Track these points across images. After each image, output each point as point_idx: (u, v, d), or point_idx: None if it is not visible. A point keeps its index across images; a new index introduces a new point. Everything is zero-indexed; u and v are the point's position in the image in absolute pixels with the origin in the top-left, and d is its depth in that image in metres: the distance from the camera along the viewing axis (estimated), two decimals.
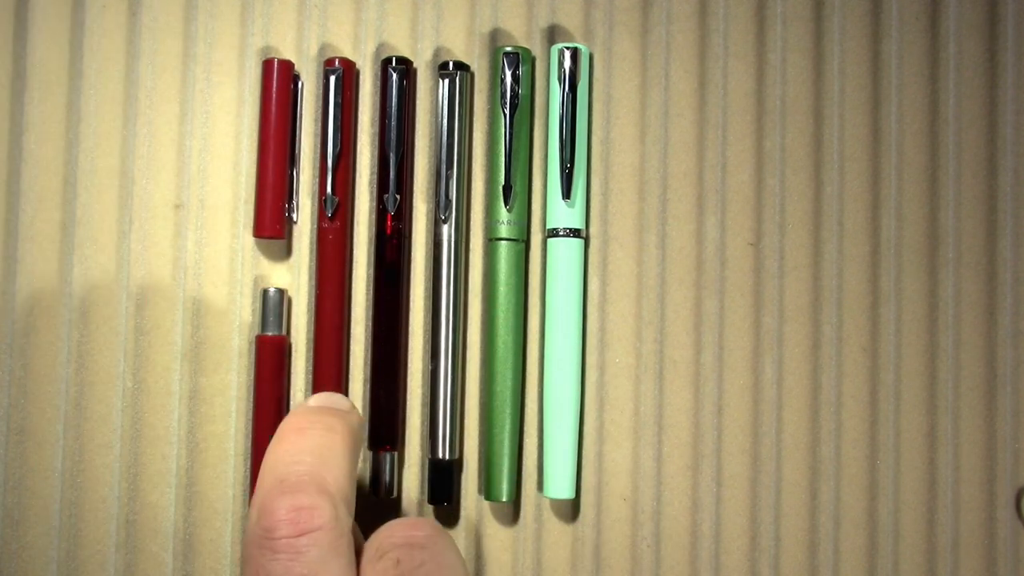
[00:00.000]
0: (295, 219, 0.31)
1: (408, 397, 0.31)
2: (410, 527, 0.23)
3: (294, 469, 0.22)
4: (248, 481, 0.31)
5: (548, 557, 0.31)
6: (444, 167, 0.31)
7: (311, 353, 0.31)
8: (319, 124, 0.32)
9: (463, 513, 0.31)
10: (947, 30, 0.33)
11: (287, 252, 0.32)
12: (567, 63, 0.31)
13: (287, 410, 0.31)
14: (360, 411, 0.24)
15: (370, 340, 0.31)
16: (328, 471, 0.22)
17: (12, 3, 0.32)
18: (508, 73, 0.31)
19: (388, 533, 0.23)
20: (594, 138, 0.32)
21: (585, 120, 0.31)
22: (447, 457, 0.30)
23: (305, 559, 0.20)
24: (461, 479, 0.31)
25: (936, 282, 0.32)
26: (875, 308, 0.32)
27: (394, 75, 0.31)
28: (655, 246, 0.32)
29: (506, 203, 0.31)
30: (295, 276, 0.31)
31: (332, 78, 0.31)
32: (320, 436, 0.23)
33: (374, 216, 0.31)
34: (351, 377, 0.31)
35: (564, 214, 0.31)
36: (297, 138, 0.32)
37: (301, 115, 0.32)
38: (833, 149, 0.32)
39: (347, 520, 0.22)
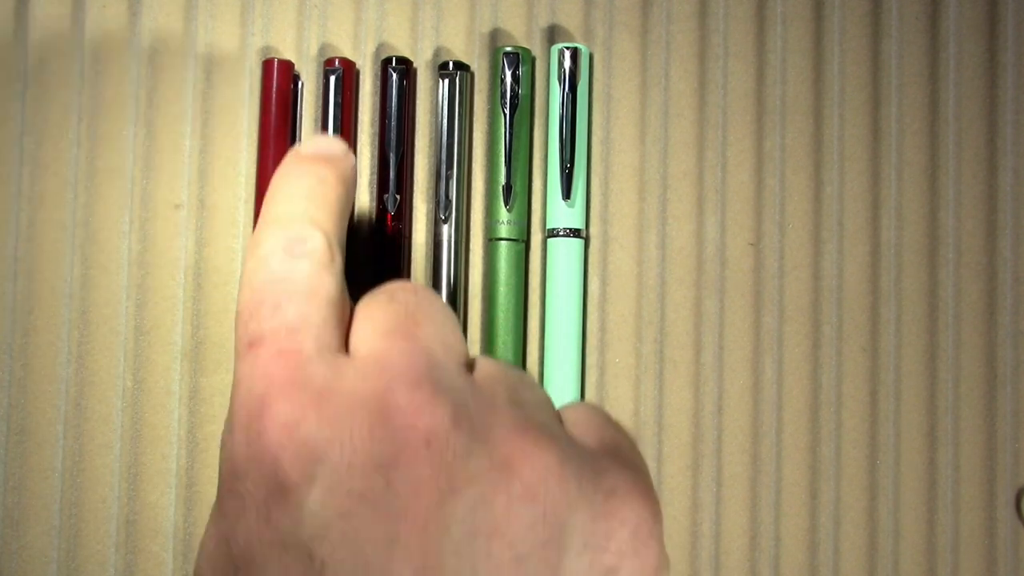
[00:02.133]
0: None
1: None
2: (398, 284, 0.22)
3: (285, 208, 0.21)
4: None
5: None
6: (444, 167, 0.31)
7: None
8: (319, 124, 0.32)
9: None
10: (947, 30, 0.33)
11: None
12: (567, 63, 0.31)
13: None
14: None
15: None
16: (321, 213, 0.21)
17: (12, 3, 0.32)
18: (508, 73, 0.31)
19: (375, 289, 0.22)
20: (594, 138, 0.32)
21: (585, 120, 0.31)
22: None
23: (295, 275, 0.19)
24: None
25: (936, 282, 0.32)
26: (875, 308, 0.32)
27: (394, 75, 0.31)
28: (655, 246, 0.32)
29: (506, 203, 0.31)
30: None
31: (332, 78, 0.31)
32: (312, 185, 0.22)
33: (374, 216, 0.31)
34: None
35: (564, 214, 0.31)
36: (297, 138, 0.32)
37: (301, 115, 0.32)
38: (833, 149, 0.32)
39: (340, 259, 0.21)
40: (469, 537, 0.17)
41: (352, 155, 0.24)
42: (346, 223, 0.23)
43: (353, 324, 0.20)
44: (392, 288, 0.21)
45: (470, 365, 0.20)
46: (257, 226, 0.21)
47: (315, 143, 0.24)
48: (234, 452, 0.18)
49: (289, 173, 0.22)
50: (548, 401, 0.21)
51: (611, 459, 0.20)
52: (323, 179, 0.22)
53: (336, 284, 0.20)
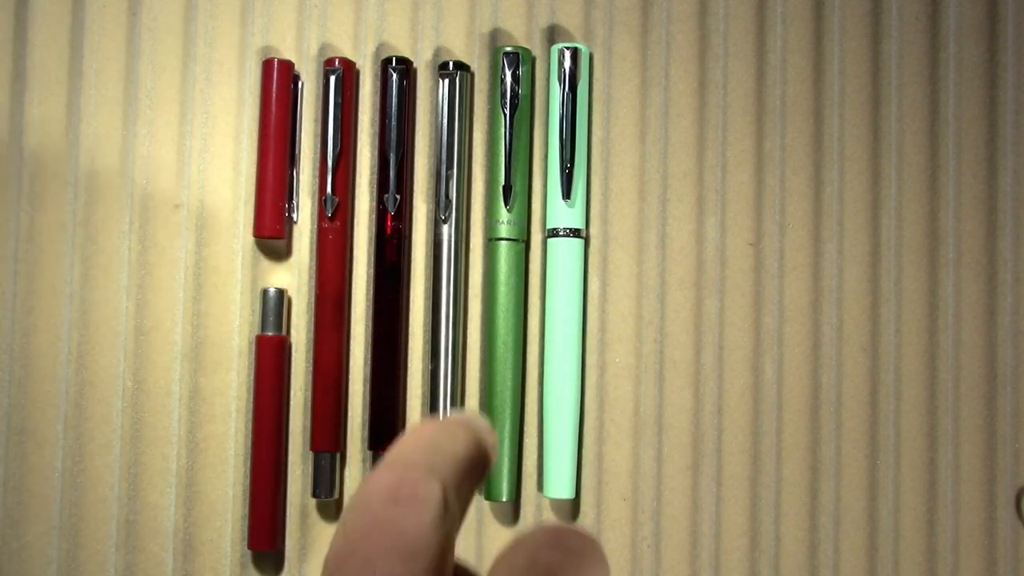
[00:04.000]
0: (295, 219, 0.31)
1: (408, 397, 0.31)
2: (558, 531, 0.20)
3: (405, 455, 0.19)
4: (248, 481, 0.31)
5: None
6: (444, 167, 0.31)
7: (311, 353, 0.31)
8: (319, 124, 0.32)
9: None
10: (947, 30, 0.33)
11: (287, 252, 0.32)
12: (567, 63, 0.31)
13: (287, 411, 0.31)
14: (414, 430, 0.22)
15: (370, 340, 0.31)
16: (444, 465, 0.19)
17: (12, 3, 0.32)
18: (508, 73, 0.31)
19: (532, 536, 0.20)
20: (594, 138, 0.32)
21: (585, 120, 0.31)
22: None
23: (398, 526, 0.17)
24: None
25: (936, 282, 0.32)
26: (875, 308, 0.32)
27: (394, 75, 0.31)
28: (655, 246, 0.32)
29: (506, 203, 0.31)
30: (295, 276, 0.31)
31: (332, 78, 0.31)
32: (440, 439, 0.20)
33: (374, 216, 0.31)
34: (351, 377, 0.31)
35: (564, 214, 0.31)
36: (297, 138, 0.32)
37: (301, 115, 0.32)
38: (833, 149, 0.32)
39: (456, 518, 0.19)
40: None
41: (495, 434, 0.22)
42: (471, 494, 0.21)
43: None
44: (534, 546, 0.19)
45: None
46: (373, 470, 0.19)
47: (460, 414, 0.22)
48: None
49: (421, 428, 0.20)
50: None
51: None
52: (454, 436, 0.20)
53: (443, 544, 0.18)
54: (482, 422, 0.22)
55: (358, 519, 0.18)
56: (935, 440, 0.32)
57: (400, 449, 0.19)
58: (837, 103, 0.32)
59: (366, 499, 0.18)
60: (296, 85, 0.32)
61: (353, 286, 0.31)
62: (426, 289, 0.31)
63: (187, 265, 0.31)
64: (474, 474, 0.20)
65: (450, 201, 0.31)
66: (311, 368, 0.31)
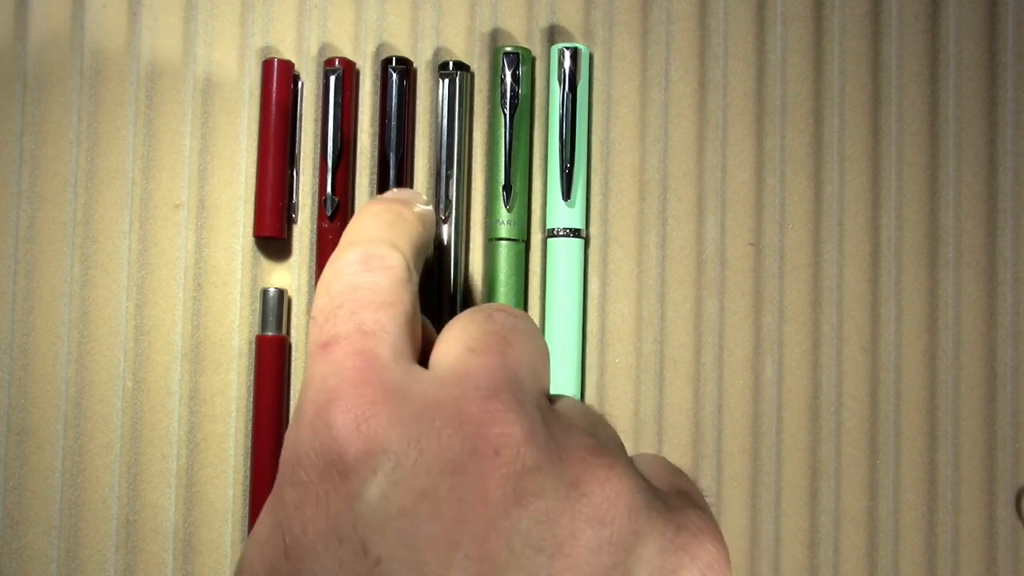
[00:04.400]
0: (295, 219, 0.31)
1: None
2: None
3: (365, 233, 0.22)
4: (248, 481, 0.31)
5: None
6: (444, 167, 0.31)
7: None
8: (319, 124, 0.32)
9: None
10: (947, 30, 0.33)
11: (287, 252, 0.32)
12: (567, 63, 0.31)
13: (287, 411, 0.31)
14: None
15: None
16: (400, 241, 0.22)
17: (12, 3, 0.32)
18: (508, 73, 0.31)
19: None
20: (594, 138, 0.32)
21: (585, 120, 0.31)
22: None
23: (372, 282, 0.20)
24: None
25: (936, 282, 0.32)
26: (875, 308, 0.32)
27: (394, 75, 0.31)
28: (655, 246, 0.32)
29: (506, 203, 0.31)
30: (295, 276, 0.31)
31: (332, 78, 0.31)
32: (392, 218, 0.23)
33: None
34: None
35: (564, 214, 0.31)
36: (297, 138, 0.32)
37: (301, 115, 0.32)
38: (833, 149, 0.32)
39: (417, 281, 0.21)
40: (531, 552, 0.17)
41: (431, 208, 0.25)
42: (422, 261, 0.23)
43: (443, 336, 0.20)
44: (492, 308, 0.21)
45: (552, 399, 0.20)
46: (337, 248, 0.22)
47: (397, 191, 0.25)
48: (300, 442, 0.18)
49: (369, 209, 0.23)
50: (622, 444, 0.21)
51: (681, 499, 0.19)
52: (402, 215, 0.23)
53: (412, 301, 0.20)
54: (422, 196, 0.26)
55: (337, 282, 0.20)
56: (935, 440, 0.32)
57: (358, 228, 0.22)
58: (837, 103, 0.32)
59: (340, 268, 0.21)
60: (296, 85, 0.32)
61: None
62: (426, 289, 0.31)
63: (187, 265, 0.31)
64: (424, 248, 0.23)
65: (450, 201, 0.31)
66: None
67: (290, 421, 0.19)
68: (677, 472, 0.21)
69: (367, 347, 0.19)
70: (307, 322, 0.31)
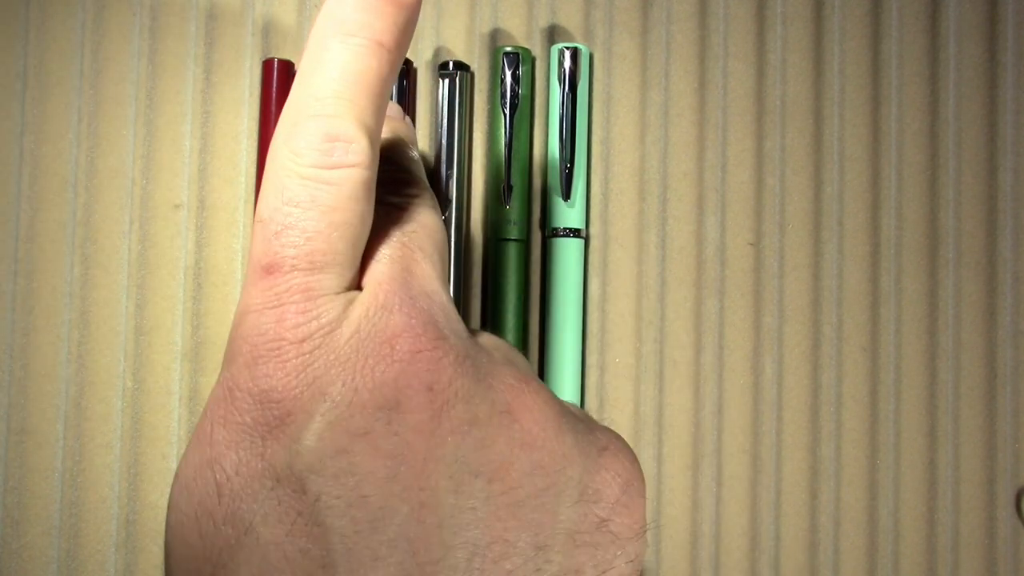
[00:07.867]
0: None
1: None
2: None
3: (331, 86, 0.19)
4: None
5: None
6: (444, 167, 0.31)
7: None
8: None
9: None
10: (947, 30, 0.33)
11: None
12: (567, 63, 0.31)
13: None
14: None
15: None
16: (367, 99, 0.19)
17: (12, 3, 0.32)
18: (508, 73, 0.31)
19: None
20: (594, 138, 0.32)
21: (585, 120, 0.31)
22: None
23: (332, 191, 0.18)
24: None
25: (936, 282, 0.32)
26: (875, 308, 0.32)
27: None
28: (655, 246, 0.32)
29: (506, 203, 0.31)
30: None
31: None
32: (365, 54, 0.19)
33: None
34: None
35: (564, 214, 0.31)
36: None
37: None
38: (833, 149, 0.32)
39: (377, 162, 0.19)
40: (469, 477, 0.17)
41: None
42: (387, 100, 0.20)
43: (368, 255, 0.20)
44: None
45: (472, 332, 0.21)
46: (287, 105, 0.19)
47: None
48: (235, 383, 0.18)
49: (344, 29, 0.19)
50: (536, 373, 0.22)
51: (590, 420, 0.21)
52: (376, 49, 0.19)
53: (370, 205, 0.19)
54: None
55: (291, 182, 0.18)
56: (935, 440, 0.32)
57: (324, 73, 0.19)
58: (837, 103, 0.32)
59: (298, 153, 0.18)
60: None
61: None
62: None
63: (187, 265, 0.31)
64: (388, 97, 0.20)
65: (450, 201, 0.31)
66: None
67: (226, 352, 0.19)
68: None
69: (312, 282, 0.18)
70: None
